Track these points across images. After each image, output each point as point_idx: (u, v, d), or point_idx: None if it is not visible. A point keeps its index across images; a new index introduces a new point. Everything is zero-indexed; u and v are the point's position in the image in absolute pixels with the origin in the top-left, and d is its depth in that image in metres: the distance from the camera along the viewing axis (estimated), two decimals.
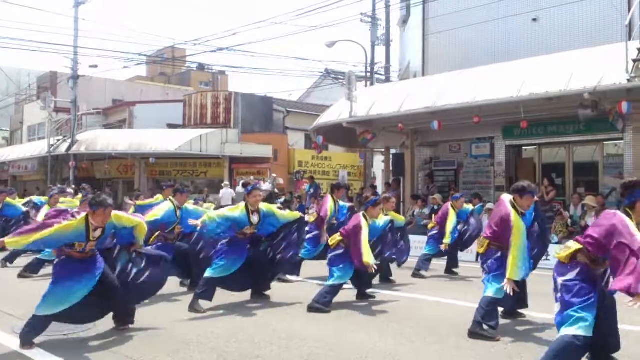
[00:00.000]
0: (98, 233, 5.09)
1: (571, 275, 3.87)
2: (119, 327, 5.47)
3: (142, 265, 5.51)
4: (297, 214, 7.46)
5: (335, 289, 6.57)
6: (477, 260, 5.79)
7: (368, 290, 7.20)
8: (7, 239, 4.93)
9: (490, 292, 5.27)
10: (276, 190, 18.72)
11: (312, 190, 17.75)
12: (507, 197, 5.53)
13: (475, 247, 10.62)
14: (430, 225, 9.84)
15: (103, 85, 31.77)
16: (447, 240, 9.05)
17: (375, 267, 6.57)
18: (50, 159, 25.47)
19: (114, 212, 5.19)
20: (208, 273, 6.57)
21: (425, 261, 9.34)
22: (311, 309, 6.33)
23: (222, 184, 20.69)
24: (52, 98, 26.36)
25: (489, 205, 11.58)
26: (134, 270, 5.45)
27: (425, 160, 16.64)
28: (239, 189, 20.28)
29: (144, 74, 44.53)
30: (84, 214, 5.11)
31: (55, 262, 5.18)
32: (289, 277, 8.03)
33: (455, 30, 16.09)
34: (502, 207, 5.37)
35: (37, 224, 5.14)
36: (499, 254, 5.38)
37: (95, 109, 28.71)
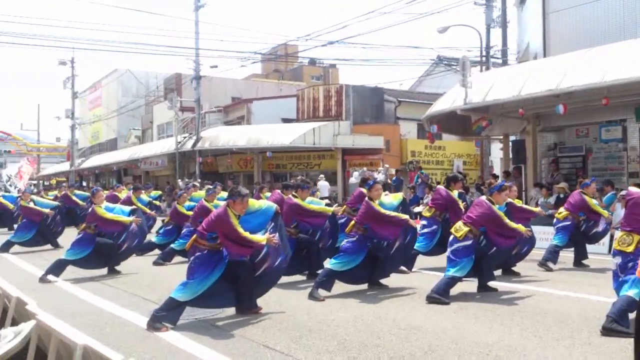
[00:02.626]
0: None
1: None
2: (243, 313, 5.77)
3: (275, 254, 5.79)
4: (399, 195, 7.57)
5: (455, 281, 6.43)
6: (611, 255, 5.39)
7: (490, 283, 6.96)
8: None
9: (633, 292, 4.88)
10: (389, 181, 18.64)
11: (419, 181, 17.53)
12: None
13: (606, 239, 9.93)
14: (561, 215, 9.20)
15: (223, 84, 33.39)
16: (608, 215, 9.00)
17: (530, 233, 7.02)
18: (178, 155, 27.29)
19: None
20: (330, 265, 6.74)
21: (553, 252, 8.81)
22: (430, 299, 6.25)
23: (318, 177, 21.03)
24: (177, 98, 28.17)
25: (623, 193, 10.70)
26: (269, 260, 5.73)
27: (549, 146, 15.71)
28: (352, 179, 20.46)
29: (259, 72, 46.19)
30: (222, 208, 5.56)
31: (194, 257, 5.58)
32: (403, 267, 8.00)
33: (579, 7, 14.96)
34: None
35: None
36: None
37: (217, 107, 30.32)
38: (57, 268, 8.23)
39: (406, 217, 6.90)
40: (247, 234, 5.45)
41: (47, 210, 12.44)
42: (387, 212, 6.82)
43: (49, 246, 12.50)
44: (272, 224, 5.84)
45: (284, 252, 5.87)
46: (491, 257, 6.85)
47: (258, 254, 5.73)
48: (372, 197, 6.85)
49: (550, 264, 8.71)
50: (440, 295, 6.24)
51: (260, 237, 5.54)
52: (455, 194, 8.40)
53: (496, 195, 6.72)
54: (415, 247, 8.13)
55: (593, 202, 8.91)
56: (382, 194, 7.03)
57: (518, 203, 8.07)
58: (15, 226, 13.33)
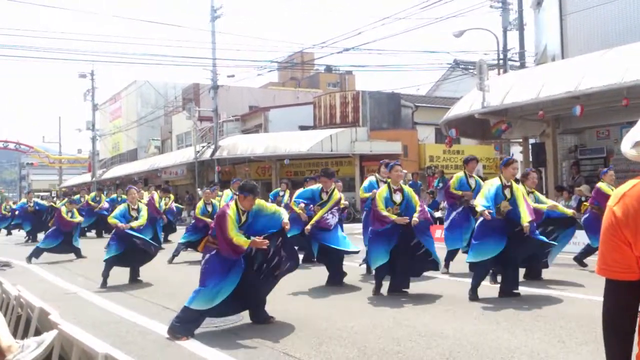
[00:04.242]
0: (244, 218, 5.49)
1: None
2: (257, 321, 5.75)
3: (284, 257, 5.74)
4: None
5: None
6: None
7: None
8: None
9: None
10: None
11: (441, 185, 17.38)
12: None
13: None
14: (583, 208, 8.99)
15: (240, 93, 33.65)
16: None
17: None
18: (197, 164, 27.51)
19: (257, 200, 5.61)
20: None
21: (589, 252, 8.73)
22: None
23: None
24: (195, 108, 28.47)
25: None
26: (275, 261, 5.68)
27: (569, 148, 15.53)
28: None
29: (275, 80, 46.44)
30: (232, 202, 5.58)
31: (205, 260, 5.54)
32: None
33: (597, 7, 14.80)
34: None
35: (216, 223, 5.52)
36: None
37: (234, 116, 30.54)
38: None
39: (395, 217, 6.76)
40: (234, 236, 5.24)
41: (78, 220, 13.13)
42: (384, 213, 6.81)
43: (72, 256, 12.66)
44: (280, 238, 5.62)
45: (293, 261, 5.77)
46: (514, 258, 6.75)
47: (273, 259, 5.66)
48: (392, 178, 7.01)
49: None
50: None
51: (244, 241, 5.28)
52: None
53: (504, 169, 6.81)
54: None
55: (605, 187, 8.70)
56: (402, 177, 7.16)
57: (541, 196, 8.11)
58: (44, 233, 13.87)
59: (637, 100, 11.72)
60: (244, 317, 5.90)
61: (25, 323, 4.19)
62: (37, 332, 3.73)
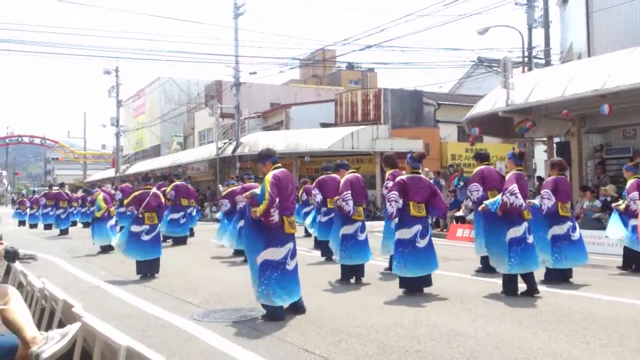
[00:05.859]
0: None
1: None
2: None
3: None
4: None
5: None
6: None
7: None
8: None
9: None
10: None
11: (461, 184, 17.20)
12: None
13: None
14: (621, 207, 8.50)
15: (261, 90, 33.76)
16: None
17: None
18: (219, 160, 27.69)
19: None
20: None
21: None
22: None
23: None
24: (218, 105, 28.63)
25: None
26: None
27: (594, 147, 15.26)
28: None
29: (297, 77, 46.50)
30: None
31: None
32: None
33: (624, 4, 14.51)
34: None
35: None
36: None
37: (256, 113, 30.66)
38: None
39: None
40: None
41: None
42: None
43: (97, 249, 12.80)
44: (292, 245, 5.95)
45: None
46: None
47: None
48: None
49: None
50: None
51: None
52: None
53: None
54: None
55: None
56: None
57: None
58: None
59: None
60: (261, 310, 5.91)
61: (50, 315, 4.25)
62: (61, 324, 3.78)
